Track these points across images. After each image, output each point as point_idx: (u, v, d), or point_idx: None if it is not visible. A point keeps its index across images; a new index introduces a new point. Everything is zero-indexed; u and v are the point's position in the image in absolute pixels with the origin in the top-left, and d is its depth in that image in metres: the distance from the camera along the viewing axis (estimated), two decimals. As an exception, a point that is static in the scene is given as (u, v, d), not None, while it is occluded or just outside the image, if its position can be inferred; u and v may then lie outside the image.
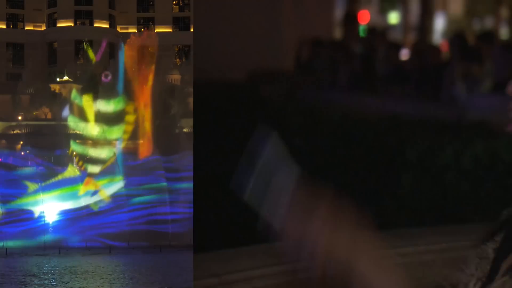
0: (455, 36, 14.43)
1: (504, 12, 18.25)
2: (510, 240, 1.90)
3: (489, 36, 14.79)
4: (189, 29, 61.32)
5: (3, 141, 49.27)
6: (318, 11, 16.70)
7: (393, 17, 22.29)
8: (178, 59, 64.25)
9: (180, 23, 65.12)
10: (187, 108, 46.18)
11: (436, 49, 14.53)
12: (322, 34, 15.84)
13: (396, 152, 7.89)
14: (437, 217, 7.27)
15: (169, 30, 64.92)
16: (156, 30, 64.71)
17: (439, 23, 18.64)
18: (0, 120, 51.85)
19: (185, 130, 46.51)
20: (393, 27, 21.07)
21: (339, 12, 18.14)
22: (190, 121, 41.01)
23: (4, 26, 62.79)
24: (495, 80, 12.13)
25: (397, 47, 15.21)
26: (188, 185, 36.20)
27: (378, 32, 16.08)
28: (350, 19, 15.48)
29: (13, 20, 63.53)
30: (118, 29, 63.48)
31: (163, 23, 64.88)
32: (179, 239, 35.21)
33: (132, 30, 64.30)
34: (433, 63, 13.20)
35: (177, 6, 66.00)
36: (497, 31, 17.63)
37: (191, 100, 45.82)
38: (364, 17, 19.76)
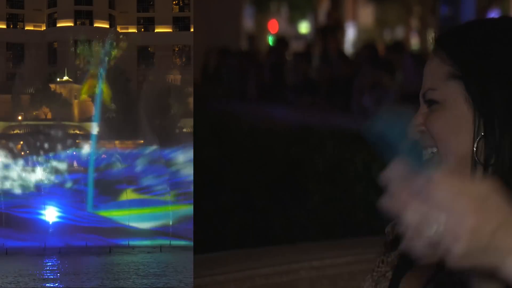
0: (365, 46, 14.29)
1: (414, 22, 18.31)
2: (407, 261, 1.73)
3: (399, 46, 14.69)
4: (189, 29, 61.31)
5: (3, 141, 49.21)
6: (225, 20, 16.60)
7: (303, 27, 22.05)
8: (178, 59, 64.29)
9: (180, 23, 65.15)
10: (187, 108, 46.14)
11: (346, 59, 14.38)
12: (230, 43, 15.72)
13: (305, 163, 7.73)
14: (347, 229, 7.10)
15: (169, 30, 64.99)
16: (156, 30, 64.71)
17: (350, 33, 18.63)
18: (0, 120, 51.81)
19: (185, 130, 46.48)
20: (303, 36, 20.81)
21: (247, 22, 18.20)
22: (190, 121, 41.01)
23: (4, 26, 62.74)
24: (405, 90, 12.03)
25: (307, 56, 14.83)
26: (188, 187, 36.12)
27: (287, 41, 15.91)
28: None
29: (13, 20, 63.46)
30: (118, 29, 63.51)
31: (163, 23, 64.79)
32: (179, 239, 35.17)
33: (132, 30, 64.36)
34: (343, 73, 13.08)
35: (177, 6, 66.02)
36: (407, 41, 17.66)
37: (191, 100, 45.80)
38: (273, 27, 19.68)
